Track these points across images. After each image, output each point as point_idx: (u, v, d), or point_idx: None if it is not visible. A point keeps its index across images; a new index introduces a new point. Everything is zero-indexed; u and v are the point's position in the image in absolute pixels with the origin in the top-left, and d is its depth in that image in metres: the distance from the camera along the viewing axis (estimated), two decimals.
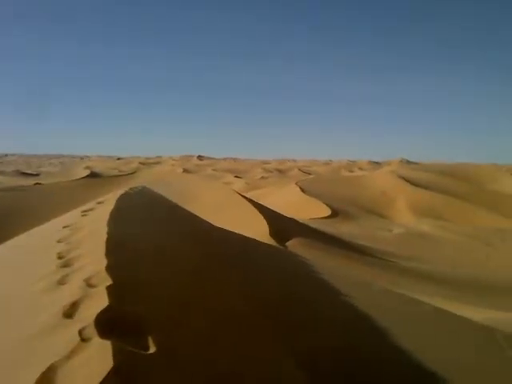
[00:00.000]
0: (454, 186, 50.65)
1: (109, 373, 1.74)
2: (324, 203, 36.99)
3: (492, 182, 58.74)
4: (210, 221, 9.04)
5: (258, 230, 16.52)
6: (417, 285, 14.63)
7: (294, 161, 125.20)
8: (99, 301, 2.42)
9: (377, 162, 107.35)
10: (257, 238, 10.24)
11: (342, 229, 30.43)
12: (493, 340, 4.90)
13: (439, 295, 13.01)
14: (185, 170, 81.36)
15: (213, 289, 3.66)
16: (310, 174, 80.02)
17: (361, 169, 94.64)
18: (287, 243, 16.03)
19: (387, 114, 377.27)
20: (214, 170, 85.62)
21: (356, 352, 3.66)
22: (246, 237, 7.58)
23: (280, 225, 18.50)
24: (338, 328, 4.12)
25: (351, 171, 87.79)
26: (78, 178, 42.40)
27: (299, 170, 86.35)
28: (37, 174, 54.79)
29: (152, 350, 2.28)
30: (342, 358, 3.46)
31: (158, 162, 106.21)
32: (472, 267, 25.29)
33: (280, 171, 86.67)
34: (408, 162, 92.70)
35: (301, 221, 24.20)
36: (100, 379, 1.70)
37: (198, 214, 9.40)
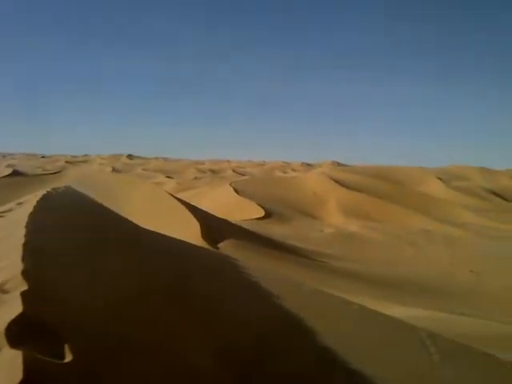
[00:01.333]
0: (383, 187, 53.11)
1: None
2: (258, 204, 37.36)
3: (419, 184, 62.29)
4: (139, 223, 8.76)
5: (189, 231, 16.34)
6: (346, 284, 15.17)
7: (228, 161, 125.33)
8: (12, 307, 2.23)
9: (309, 164, 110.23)
10: (189, 240, 10.09)
11: (275, 230, 30.91)
12: (417, 338, 5.14)
13: (367, 294, 13.57)
14: (114, 170, 78.83)
15: (137, 293, 3.55)
16: (244, 174, 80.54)
17: (294, 170, 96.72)
18: (219, 245, 16.01)
19: (321, 116, 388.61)
20: (144, 169, 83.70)
21: (279, 352, 3.69)
22: (175, 239, 7.45)
23: (212, 226, 18.43)
24: (263, 328, 4.14)
25: (285, 172, 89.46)
26: None
27: (233, 170, 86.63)
28: None
29: (68, 358, 2.15)
30: (263, 358, 3.48)
31: (85, 160, 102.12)
32: (398, 267, 26.65)
33: (213, 172, 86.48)
34: (339, 165, 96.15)
35: (234, 222, 24.28)
36: None
37: (126, 216, 9.09)
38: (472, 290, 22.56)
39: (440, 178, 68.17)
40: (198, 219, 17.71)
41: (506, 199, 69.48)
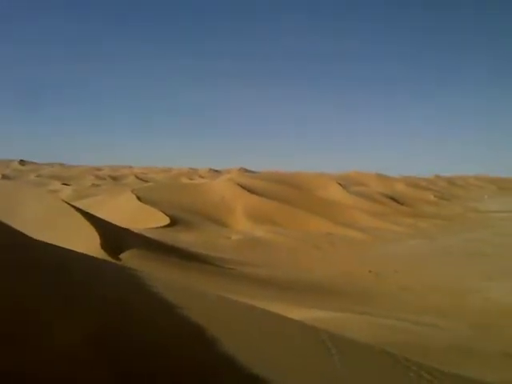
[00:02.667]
0: (288, 193, 54.86)
1: None
2: (162, 212, 36.63)
3: (321, 189, 65.25)
4: (31, 235, 8.11)
5: (88, 242, 15.52)
6: (252, 289, 15.35)
7: (130, 167, 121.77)
8: None
9: (217, 170, 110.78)
10: (87, 252, 9.56)
11: (181, 237, 30.50)
12: (319, 340, 5.30)
13: (272, 298, 13.84)
14: (3, 177, 73.07)
15: (28, 306, 3.26)
16: (147, 181, 78.68)
17: (201, 177, 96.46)
18: (121, 256, 15.40)
19: (229, 122, 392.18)
20: (38, 176, 78.49)
21: (180, 361, 3.61)
22: (71, 251, 6.99)
23: (113, 236, 17.68)
24: (163, 339, 4.02)
25: (191, 179, 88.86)
26: None
27: (136, 177, 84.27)
28: None
29: None
30: (163, 370, 3.38)
31: None
32: (304, 270, 27.57)
33: (114, 178, 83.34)
34: (246, 171, 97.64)
35: (137, 231, 23.51)
36: None
37: (16, 227, 8.37)
38: (371, 289, 23.99)
39: (340, 184, 72.11)
40: (96, 229, 16.90)
41: (400, 203, 75.18)
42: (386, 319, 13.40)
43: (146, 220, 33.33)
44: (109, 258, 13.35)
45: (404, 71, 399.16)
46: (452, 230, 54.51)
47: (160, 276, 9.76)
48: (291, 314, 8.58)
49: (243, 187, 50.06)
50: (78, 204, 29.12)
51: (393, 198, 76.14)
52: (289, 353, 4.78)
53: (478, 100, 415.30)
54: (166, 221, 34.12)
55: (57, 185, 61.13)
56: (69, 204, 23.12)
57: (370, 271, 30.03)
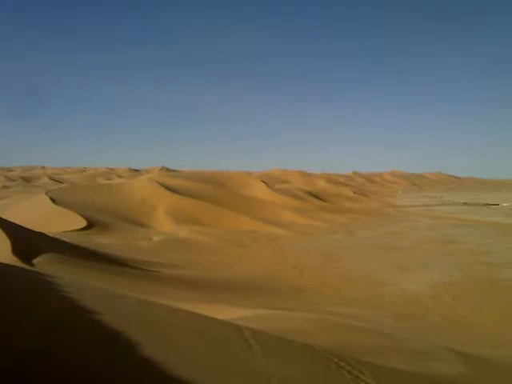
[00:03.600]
0: (212, 192, 54.74)
1: None
2: (79, 214, 35.06)
3: (245, 187, 65.85)
4: None
5: None
6: (175, 291, 15.13)
7: (43, 168, 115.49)
8: None
9: (136, 170, 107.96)
10: None
11: (100, 240, 29.37)
12: (241, 338, 5.30)
13: (196, 299, 13.72)
14: None
15: None
16: (62, 182, 74.98)
17: (120, 176, 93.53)
18: (34, 261, 14.54)
19: (148, 121, 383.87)
20: None
21: (101, 368, 3.46)
22: None
23: (26, 241, 16.66)
24: (79, 351, 3.82)
25: (109, 179, 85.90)
26: None
27: (49, 178, 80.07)
28: None
29: None
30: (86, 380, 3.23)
31: None
32: (228, 269, 27.63)
33: (26, 179, 78.60)
34: (168, 170, 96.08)
35: (52, 235, 22.33)
36: None
37: None
38: (295, 285, 24.57)
39: (264, 182, 73.29)
40: (7, 233, 15.81)
41: (322, 199, 77.76)
42: (310, 313, 13.75)
43: (61, 223, 31.74)
44: (21, 264, 12.56)
45: (325, 68, 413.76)
46: (370, 224, 57.32)
47: (76, 280, 9.31)
48: (217, 315, 8.54)
49: (165, 187, 49.24)
50: None
51: (314, 195, 78.67)
52: (211, 353, 4.74)
53: (390, 100, 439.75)
54: (83, 223, 32.80)
55: None
56: None
57: (293, 267, 30.79)
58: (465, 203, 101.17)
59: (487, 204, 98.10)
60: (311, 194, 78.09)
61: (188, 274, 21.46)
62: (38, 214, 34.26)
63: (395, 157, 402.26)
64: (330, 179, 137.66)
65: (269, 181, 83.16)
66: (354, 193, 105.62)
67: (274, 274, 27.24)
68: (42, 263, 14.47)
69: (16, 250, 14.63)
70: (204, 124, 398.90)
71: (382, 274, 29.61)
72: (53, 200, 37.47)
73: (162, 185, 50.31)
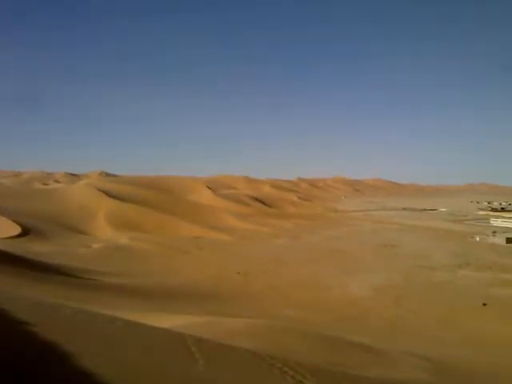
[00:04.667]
0: (155, 197, 53.82)
1: None
2: (12, 220, 33.40)
3: (190, 193, 65.30)
4: None
5: None
6: (115, 300, 14.66)
7: None
8: None
9: (75, 174, 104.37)
10: None
11: (35, 248, 28.10)
12: (184, 346, 5.17)
13: (138, 308, 13.36)
14: None
15: None
16: None
17: (57, 181, 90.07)
18: None
19: (88, 123, 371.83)
20: None
21: (33, 381, 3.27)
22: None
23: None
24: (10, 362, 3.59)
25: (46, 184, 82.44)
26: None
27: None
28: None
29: None
30: None
31: None
32: (172, 276, 27.22)
33: None
34: (108, 175, 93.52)
35: None
36: None
37: None
38: (241, 291, 24.57)
39: (209, 187, 72.97)
40: None
41: (267, 205, 78.46)
42: (255, 319, 13.73)
43: None
44: None
45: (269, 74, 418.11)
46: (314, 229, 58.47)
47: (6, 290, 8.81)
48: (160, 323, 8.33)
49: (105, 192, 47.88)
50: None
51: (260, 200, 79.27)
52: (152, 362, 4.59)
53: (332, 107, 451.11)
54: (17, 230, 31.33)
55: None
56: None
57: (238, 273, 30.82)
58: (404, 208, 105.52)
59: (425, 209, 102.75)
60: (257, 199, 78.51)
61: (129, 282, 20.91)
62: None
63: (338, 163, 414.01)
64: (275, 185, 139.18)
65: (214, 186, 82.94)
66: (299, 198, 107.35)
67: (220, 280, 27.11)
68: None
69: None
70: (147, 126, 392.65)
71: (326, 278, 30.26)
72: None
73: (101, 190, 48.85)
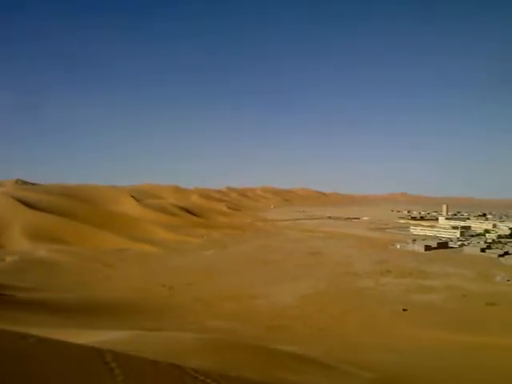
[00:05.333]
0: (75, 207, 51.70)
1: None
2: None
3: (113, 203, 63.32)
4: None
5: None
6: (29, 316, 13.86)
7: None
8: None
9: None
10: None
11: None
12: (102, 362, 4.98)
13: (54, 324, 12.71)
14: None
15: None
16: None
17: None
18: None
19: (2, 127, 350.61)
20: None
21: None
22: None
23: None
24: None
25: None
26: None
27: None
28: None
29: None
30: None
31: None
32: (94, 290, 26.23)
33: None
34: (24, 183, 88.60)
35: None
36: None
37: None
38: (166, 304, 24.16)
39: (134, 197, 71.18)
40: None
41: (196, 215, 77.82)
42: (180, 332, 13.54)
43: None
44: None
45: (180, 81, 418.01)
46: (243, 238, 58.81)
47: None
48: (79, 339, 7.97)
49: (21, 201, 45.33)
50: None
51: (188, 210, 78.49)
52: (65, 379, 4.38)
53: (260, 117, 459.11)
54: None
55: None
56: None
57: (163, 286, 30.29)
58: (330, 217, 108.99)
59: (349, 218, 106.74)
60: (185, 209, 77.75)
61: (48, 297, 19.89)
62: None
63: (267, 172, 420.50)
64: (204, 194, 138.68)
65: (140, 195, 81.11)
66: (228, 208, 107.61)
67: (143, 294, 26.48)
68: None
69: None
70: (67, 131, 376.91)
71: (253, 288, 30.50)
72: None
73: (17, 199, 46.17)
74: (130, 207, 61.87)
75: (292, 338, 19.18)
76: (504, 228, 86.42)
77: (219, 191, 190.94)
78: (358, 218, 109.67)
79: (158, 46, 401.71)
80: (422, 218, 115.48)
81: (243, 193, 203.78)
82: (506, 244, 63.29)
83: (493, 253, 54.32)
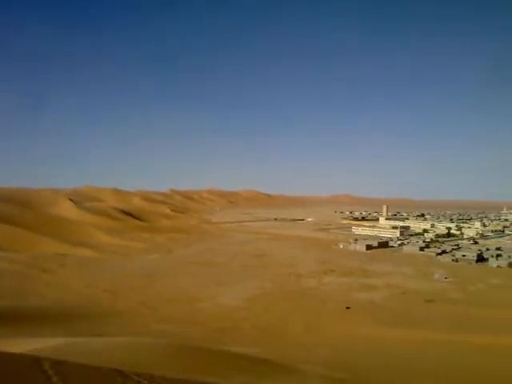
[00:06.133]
0: (9, 211, 49.44)
1: None
2: None
3: (51, 206, 60.97)
4: None
5: None
6: None
7: None
8: None
9: None
10: None
11: None
12: (39, 370, 4.85)
13: None
14: None
15: None
16: None
17: None
18: None
19: None
20: None
21: None
22: None
23: None
24: None
25: None
26: None
27: None
28: None
29: None
30: None
31: None
32: (31, 297, 25.25)
33: None
34: None
35: None
36: None
37: None
38: (108, 309, 23.61)
39: (72, 200, 68.90)
40: None
41: (138, 218, 76.39)
42: (123, 337, 13.31)
43: None
44: None
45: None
46: (187, 241, 58.35)
47: None
48: (15, 348, 7.69)
49: None
50: None
51: (130, 213, 76.91)
52: None
53: (203, 119, 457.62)
54: None
55: None
56: None
57: (105, 291, 29.55)
58: (275, 219, 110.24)
59: (294, 219, 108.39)
60: (126, 212, 76.19)
61: None
62: None
63: (212, 174, 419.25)
64: (147, 197, 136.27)
65: (78, 198, 78.59)
66: (172, 210, 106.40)
67: (86, 299, 25.75)
68: None
69: None
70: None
71: (199, 291, 30.37)
72: None
73: None
74: (69, 211, 59.80)
75: (241, 340, 19.30)
76: (441, 228, 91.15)
77: (162, 194, 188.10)
78: (303, 220, 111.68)
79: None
80: (363, 219, 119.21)
81: (188, 195, 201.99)
82: (443, 243, 66.88)
83: (431, 251, 57.32)
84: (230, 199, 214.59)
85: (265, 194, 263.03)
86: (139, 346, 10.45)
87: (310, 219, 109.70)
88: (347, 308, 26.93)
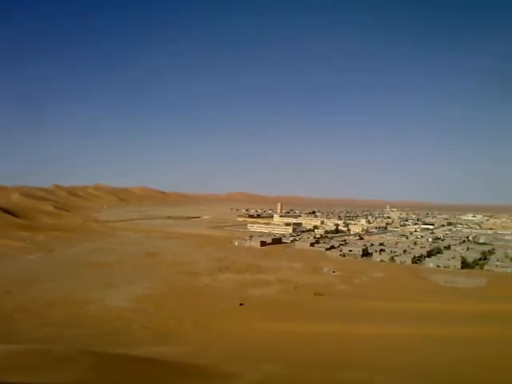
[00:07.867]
0: None
1: None
2: None
3: None
4: None
5: None
6: None
7: None
8: None
9: None
10: None
11: None
12: None
13: None
14: None
15: None
16: None
17: None
18: None
19: None
20: None
21: None
22: None
23: None
24: None
25: None
26: None
27: None
28: None
29: None
30: None
31: None
32: None
33: None
34: None
35: None
36: None
37: None
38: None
39: None
40: None
41: (15, 215, 71.38)
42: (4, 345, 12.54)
43: None
44: None
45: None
46: (72, 241, 55.75)
47: None
48: None
49: None
50: None
51: (6, 210, 71.64)
52: None
53: (75, 110, 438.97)
54: None
55: None
56: None
57: (7, 292, 27.32)
58: (170, 217, 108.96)
59: (190, 217, 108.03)
60: (2, 209, 71.07)
61: None
62: None
63: (100, 170, 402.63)
64: (26, 193, 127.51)
65: None
66: (55, 207, 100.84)
67: None
68: None
69: None
70: None
71: (86, 293, 29.16)
72: None
73: None
74: None
75: (134, 341, 18.94)
76: (330, 224, 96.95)
77: (45, 189, 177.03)
78: (199, 217, 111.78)
79: None
80: (258, 216, 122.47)
81: (73, 191, 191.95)
82: (332, 239, 71.38)
83: (321, 247, 60.88)
84: (121, 196, 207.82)
85: (159, 192, 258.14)
86: (19, 354, 9.89)
87: (205, 217, 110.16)
88: (241, 304, 27.58)
